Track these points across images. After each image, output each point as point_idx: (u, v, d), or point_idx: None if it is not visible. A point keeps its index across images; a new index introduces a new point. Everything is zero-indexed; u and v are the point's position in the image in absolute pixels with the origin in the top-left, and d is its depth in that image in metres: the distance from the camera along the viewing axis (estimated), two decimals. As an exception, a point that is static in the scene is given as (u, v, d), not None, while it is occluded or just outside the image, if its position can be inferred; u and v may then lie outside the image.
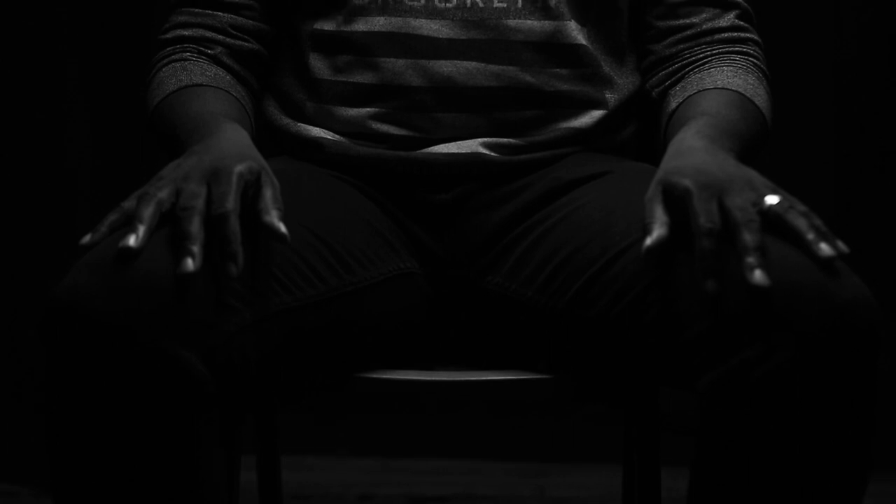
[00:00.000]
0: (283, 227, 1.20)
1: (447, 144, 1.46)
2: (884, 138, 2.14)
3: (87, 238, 1.20)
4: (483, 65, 1.46)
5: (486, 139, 1.47)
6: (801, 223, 1.19)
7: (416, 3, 1.46)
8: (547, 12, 1.47)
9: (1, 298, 2.21)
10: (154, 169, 1.25)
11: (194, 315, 1.18)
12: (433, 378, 1.42)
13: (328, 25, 1.49)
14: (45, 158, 2.17)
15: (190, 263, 1.15)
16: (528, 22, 1.47)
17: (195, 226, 1.17)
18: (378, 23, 1.46)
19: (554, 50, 1.48)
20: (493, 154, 1.47)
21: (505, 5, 1.46)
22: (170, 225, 1.19)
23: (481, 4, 1.46)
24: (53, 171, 2.17)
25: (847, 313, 1.16)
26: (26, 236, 2.18)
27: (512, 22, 1.46)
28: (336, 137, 1.49)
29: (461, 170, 1.46)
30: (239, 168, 1.22)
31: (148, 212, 1.18)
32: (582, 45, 1.49)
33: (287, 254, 1.29)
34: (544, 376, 1.41)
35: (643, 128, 1.57)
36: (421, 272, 1.47)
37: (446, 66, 1.45)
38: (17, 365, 2.20)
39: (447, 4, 1.46)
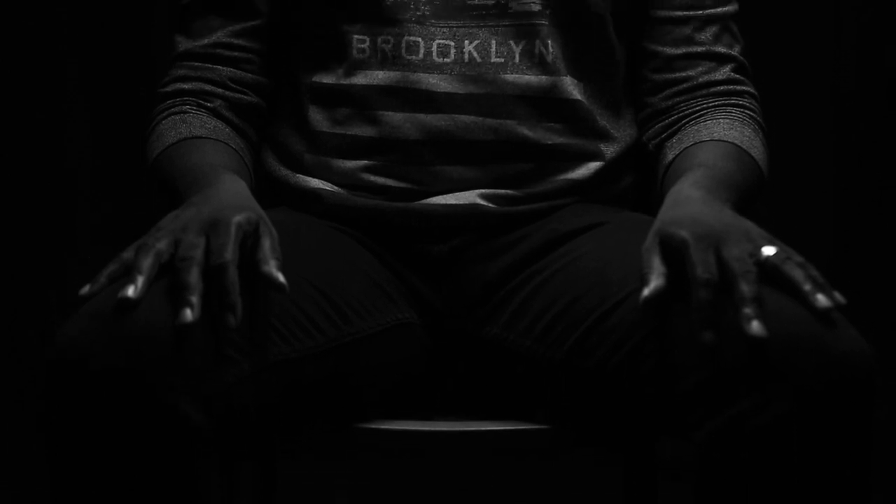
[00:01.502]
0: (281, 277, 1.21)
1: (445, 196, 1.47)
2: (882, 193, 2.15)
3: (85, 289, 1.21)
4: (481, 119, 1.47)
5: (483, 191, 1.48)
6: (797, 274, 1.20)
7: (415, 57, 1.47)
8: (544, 67, 1.48)
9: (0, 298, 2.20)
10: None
11: (193, 365, 1.18)
12: (432, 428, 1.42)
13: (328, 78, 1.50)
14: (45, 158, 2.16)
15: (188, 314, 1.15)
16: (526, 77, 1.48)
17: (194, 276, 1.17)
18: (377, 76, 1.47)
19: (550, 105, 1.49)
20: (490, 205, 1.48)
21: (502, 60, 1.47)
22: (168, 276, 1.19)
23: (479, 59, 1.47)
24: (53, 171, 2.16)
25: (844, 366, 1.17)
26: (26, 236, 2.17)
27: (509, 76, 1.47)
28: (334, 189, 1.49)
29: (459, 221, 1.47)
30: (237, 218, 1.22)
31: (147, 262, 1.19)
32: (577, 101, 1.50)
33: (285, 305, 1.30)
34: (543, 426, 1.41)
35: (640, 179, 1.58)
36: (419, 323, 1.47)
37: (444, 120, 1.46)
38: (16, 365, 2.19)
39: (445, 59, 1.47)
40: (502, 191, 1.48)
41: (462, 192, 1.47)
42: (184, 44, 1.54)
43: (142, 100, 2.05)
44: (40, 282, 2.19)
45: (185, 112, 1.51)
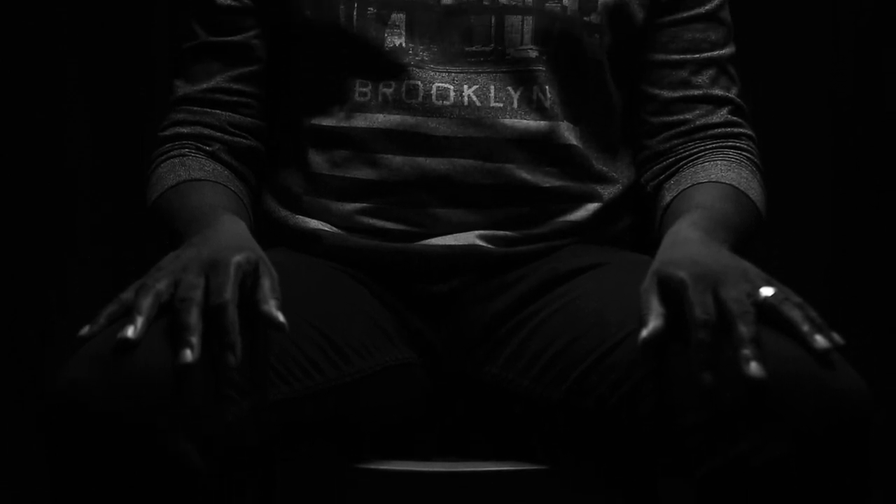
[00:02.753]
0: (281, 317, 1.21)
1: (444, 237, 1.48)
2: (877, 234, 2.15)
3: (85, 330, 1.21)
4: (479, 162, 1.47)
5: (482, 232, 1.48)
6: (796, 315, 1.20)
7: (414, 100, 1.47)
8: (542, 112, 1.49)
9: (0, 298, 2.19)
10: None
11: (192, 406, 1.18)
12: (431, 469, 1.41)
13: (327, 121, 1.50)
14: (45, 158, 2.15)
15: (188, 354, 1.15)
16: (524, 121, 1.48)
17: (193, 317, 1.17)
18: (377, 119, 1.48)
19: (548, 149, 1.49)
20: (489, 246, 1.48)
21: (501, 105, 1.48)
22: (168, 316, 1.20)
23: (478, 103, 1.48)
24: (53, 170, 2.15)
25: (842, 406, 1.17)
26: (25, 236, 2.16)
27: (508, 121, 1.48)
28: (333, 230, 1.50)
29: (458, 261, 1.47)
30: (237, 258, 1.22)
31: (146, 303, 1.19)
32: (574, 146, 1.51)
33: (285, 345, 1.30)
34: (542, 466, 1.41)
35: (639, 219, 1.59)
36: (418, 362, 1.47)
37: (443, 164, 1.47)
38: (16, 365, 2.18)
39: (444, 102, 1.47)
40: (501, 232, 1.49)
41: (461, 234, 1.48)
42: (182, 88, 1.55)
43: (141, 99, 2.06)
44: (40, 282, 2.17)
45: (184, 155, 1.51)
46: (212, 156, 1.53)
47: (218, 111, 1.54)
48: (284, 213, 1.53)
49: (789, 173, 2.06)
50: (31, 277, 2.18)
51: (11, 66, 2.13)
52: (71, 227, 2.17)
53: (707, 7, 1.55)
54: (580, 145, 1.51)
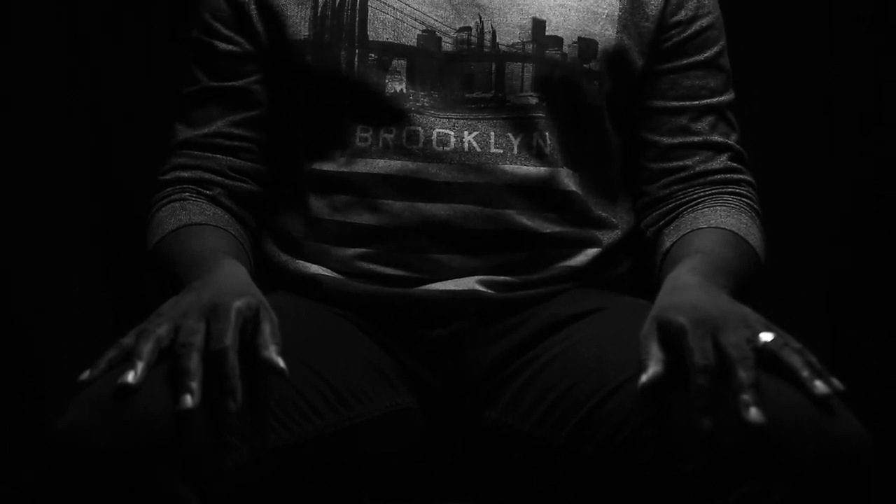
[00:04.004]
0: (281, 362, 1.21)
1: (444, 283, 1.48)
2: (877, 274, 2.15)
3: (85, 374, 1.22)
4: (479, 208, 1.48)
5: (482, 277, 1.48)
6: (795, 360, 1.20)
7: (415, 146, 1.48)
8: (542, 159, 1.50)
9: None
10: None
11: (192, 452, 1.18)
12: (431, 512, 1.42)
13: (328, 166, 1.51)
14: (46, 159, 2.15)
15: (189, 400, 1.16)
16: (524, 168, 1.49)
17: (194, 362, 1.18)
18: (378, 165, 1.48)
19: (547, 195, 1.50)
20: (489, 291, 1.48)
21: (501, 151, 1.49)
22: (169, 361, 1.20)
23: (479, 149, 1.48)
24: (54, 169, 2.15)
25: (842, 453, 1.17)
26: (25, 236, 2.15)
27: (508, 167, 1.48)
28: (333, 275, 1.50)
29: (458, 307, 1.47)
30: (237, 304, 1.23)
31: (147, 348, 1.20)
32: (573, 192, 1.51)
33: (285, 390, 1.30)
34: (542, 510, 1.41)
35: (638, 264, 1.59)
36: (418, 407, 1.47)
37: (443, 210, 1.47)
38: (16, 365, 2.18)
39: (445, 148, 1.48)
40: (501, 277, 1.49)
41: (461, 279, 1.48)
42: (183, 132, 1.56)
43: (141, 100, 2.05)
44: (40, 281, 2.17)
45: (184, 199, 1.52)
46: (212, 200, 1.53)
47: (218, 156, 1.55)
48: (285, 257, 1.54)
49: (789, 217, 2.06)
50: (30, 277, 2.17)
51: (12, 66, 2.12)
52: (71, 226, 2.16)
53: (706, 54, 1.56)
54: (580, 191, 1.52)
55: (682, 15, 1.55)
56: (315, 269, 1.51)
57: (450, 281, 1.48)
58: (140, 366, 1.18)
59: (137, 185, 1.68)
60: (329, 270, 1.50)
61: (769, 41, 2.12)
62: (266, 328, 1.23)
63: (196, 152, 1.55)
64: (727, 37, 1.59)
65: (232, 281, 1.30)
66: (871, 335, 2.14)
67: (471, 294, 1.48)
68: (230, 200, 1.54)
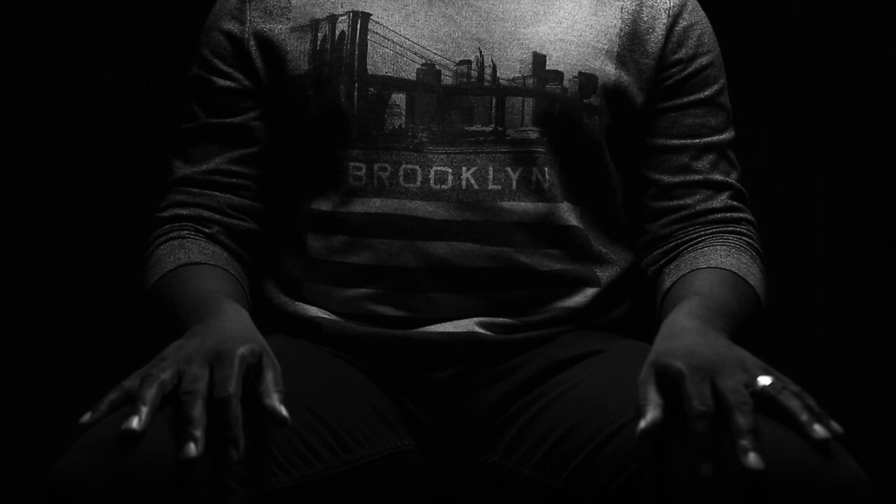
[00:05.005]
0: (284, 411, 1.21)
1: (443, 324, 1.48)
2: (878, 317, 2.15)
3: (86, 417, 1.21)
4: (478, 246, 1.48)
5: (481, 318, 1.49)
6: (794, 404, 1.21)
7: (411, 184, 1.48)
8: (541, 194, 1.50)
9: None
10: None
11: (193, 497, 1.18)
12: (430, 555, 1.42)
13: (325, 205, 1.51)
14: (46, 160, 2.14)
15: (192, 449, 1.16)
16: (522, 204, 1.49)
17: (198, 410, 1.18)
18: (374, 204, 1.48)
19: (547, 231, 1.50)
20: (488, 333, 1.48)
21: (500, 187, 1.49)
22: (171, 407, 1.20)
23: (476, 186, 1.48)
24: (55, 170, 2.14)
25: (842, 497, 1.18)
26: (24, 236, 2.15)
27: (506, 203, 1.49)
28: (333, 317, 1.50)
29: (457, 349, 1.47)
30: (241, 351, 1.23)
31: (151, 393, 1.20)
32: (574, 227, 1.51)
33: (285, 433, 1.30)
34: (541, 553, 1.41)
35: (637, 303, 1.59)
36: (418, 450, 1.47)
37: (441, 248, 1.47)
38: (7, 408, 2.17)
39: (442, 186, 1.48)
40: (500, 319, 1.49)
41: (460, 321, 1.48)
42: (182, 169, 1.56)
43: (141, 136, 2.04)
44: (38, 281, 2.16)
45: (183, 237, 1.52)
46: (211, 238, 1.53)
47: (217, 193, 1.55)
48: (284, 299, 1.54)
49: (790, 261, 2.06)
50: (29, 277, 2.16)
51: (12, 67, 2.11)
52: (69, 227, 2.15)
53: (706, 93, 1.56)
54: (580, 225, 1.52)
55: (682, 53, 1.55)
56: (314, 311, 1.51)
57: (449, 323, 1.48)
58: (144, 411, 1.18)
59: (134, 223, 1.68)
60: (328, 312, 1.50)
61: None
62: (269, 375, 1.23)
63: (194, 189, 1.55)
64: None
65: (235, 326, 1.30)
66: (871, 378, 2.13)
67: (470, 336, 1.48)
68: (228, 238, 1.54)
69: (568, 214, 1.51)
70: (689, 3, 1.57)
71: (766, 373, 1.23)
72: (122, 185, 2.13)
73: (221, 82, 1.54)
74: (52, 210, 2.12)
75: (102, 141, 2.12)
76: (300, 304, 1.52)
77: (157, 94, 2.11)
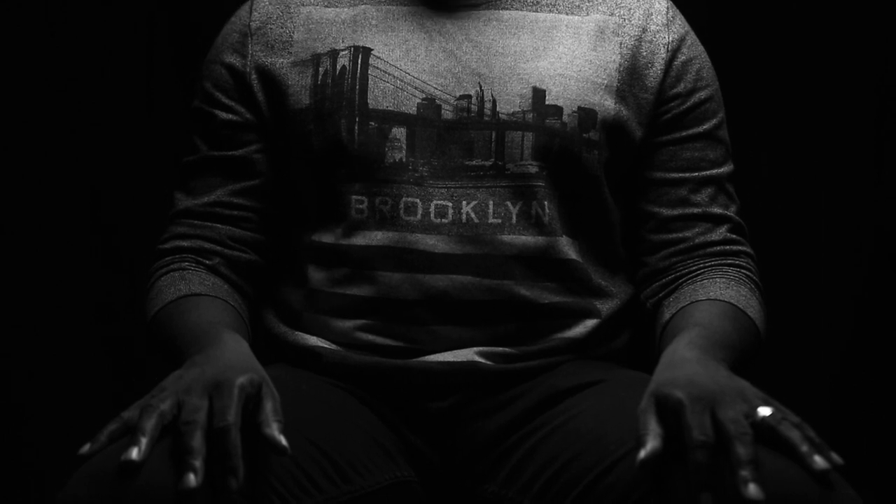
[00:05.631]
0: (283, 441, 1.21)
1: (443, 354, 1.48)
2: (880, 351, 2.14)
3: (85, 448, 1.21)
4: (478, 279, 1.48)
5: (481, 348, 1.49)
6: (794, 435, 1.21)
7: (412, 218, 1.49)
8: (540, 228, 1.50)
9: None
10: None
11: None
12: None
13: (327, 238, 1.51)
14: (47, 162, 2.14)
15: (192, 479, 1.16)
16: (522, 237, 1.50)
17: (197, 441, 1.18)
18: (376, 237, 1.49)
19: (546, 264, 1.50)
20: (488, 363, 1.49)
21: (500, 221, 1.49)
22: (171, 437, 1.20)
23: (476, 220, 1.49)
24: (55, 172, 2.13)
25: None
26: (24, 236, 2.14)
27: (506, 237, 1.49)
28: (333, 347, 1.50)
29: (457, 378, 1.48)
30: (241, 381, 1.23)
31: (150, 424, 1.20)
32: (573, 260, 1.52)
33: (285, 463, 1.30)
34: (541, 584, 1.40)
35: (637, 335, 1.60)
36: (418, 480, 1.47)
37: (442, 281, 1.48)
38: (10, 438, 2.16)
39: (443, 220, 1.48)
40: (500, 349, 1.49)
41: (460, 350, 1.48)
42: (183, 201, 1.57)
43: (140, 102, 2.04)
44: (37, 282, 2.15)
45: (184, 269, 1.52)
46: (212, 270, 1.54)
47: (218, 225, 1.55)
48: (284, 329, 1.54)
49: (788, 291, 2.06)
50: (28, 277, 2.15)
51: (13, 69, 2.11)
52: (68, 228, 2.14)
53: (705, 126, 1.57)
54: (579, 259, 1.53)
55: (680, 87, 1.56)
56: (314, 340, 1.51)
57: (448, 352, 1.48)
58: (144, 442, 1.18)
59: (138, 255, 1.68)
60: (328, 342, 1.51)
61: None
62: (268, 405, 1.23)
63: (196, 221, 1.56)
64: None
65: (234, 356, 1.30)
66: (872, 409, 2.13)
67: (469, 365, 1.48)
68: (229, 270, 1.55)
69: (567, 248, 1.52)
70: (687, 37, 1.58)
71: (766, 403, 1.23)
72: (122, 185, 2.12)
73: (223, 115, 1.55)
74: (52, 210, 2.12)
75: (102, 141, 2.11)
76: (300, 333, 1.52)
77: (157, 95, 2.10)
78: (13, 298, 2.12)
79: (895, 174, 2.10)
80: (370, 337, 1.49)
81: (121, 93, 2.11)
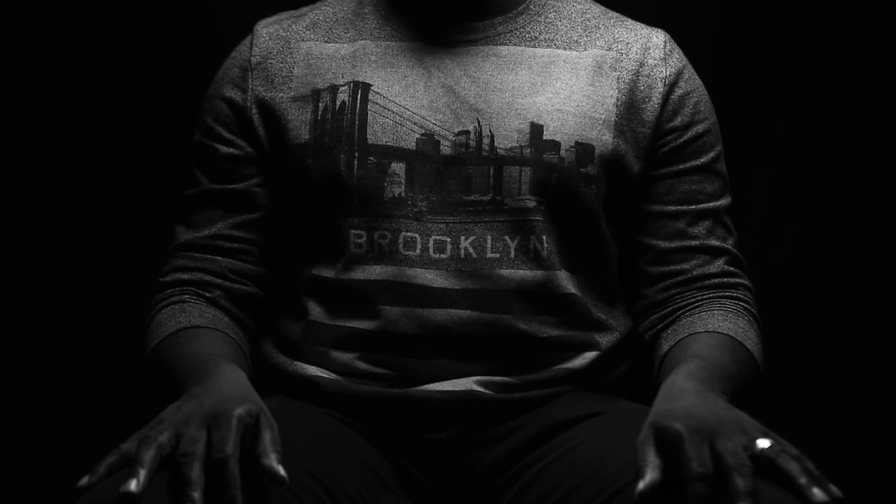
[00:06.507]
0: (282, 471, 1.21)
1: (442, 383, 1.48)
2: (878, 385, 2.14)
3: (84, 480, 1.21)
4: (476, 314, 1.48)
5: (480, 378, 1.49)
6: (793, 467, 1.21)
7: (411, 252, 1.49)
8: (539, 262, 1.51)
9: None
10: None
11: None
12: None
13: (326, 272, 1.52)
14: (48, 164, 2.13)
15: None
16: (521, 272, 1.50)
17: (196, 472, 1.18)
18: (375, 271, 1.49)
19: (545, 299, 1.51)
20: (487, 392, 1.49)
21: (498, 255, 1.50)
22: (169, 469, 1.20)
23: (475, 255, 1.49)
24: (58, 173, 2.13)
25: None
26: (23, 237, 2.13)
27: (505, 271, 1.49)
28: (331, 376, 1.50)
29: (456, 407, 1.48)
30: (239, 411, 1.23)
31: (149, 456, 1.20)
32: (572, 294, 1.52)
33: (283, 494, 1.30)
34: None
35: (636, 366, 1.60)
36: (416, 511, 1.47)
37: (440, 315, 1.48)
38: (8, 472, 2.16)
39: (441, 255, 1.49)
40: (499, 378, 1.49)
41: (459, 380, 1.48)
42: (184, 234, 1.57)
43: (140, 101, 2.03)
44: (37, 281, 2.15)
45: (184, 301, 1.53)
46: (212, 302, 1.54)
47: (219, 258, 1.56)
48: (283, 359, 1.54)
49: (789, 323, 2.06)
50: (28, 278, 2.15)
51: (13, 70, 2.12)
52: (68, 228, 2.14)
53: (702, 160, 1.57)
54: (578, 293, 1.53)
55: (678, 121, 1.56)
56: (313, 370, 1.51)
57: (447, 381, 1.48)
58: (142, 474, 1.18)
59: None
60: (327, 371, 1.51)
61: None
62: (266, 436, 1.23)
63: (196, 254, 1.56)
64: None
65: (232, 387, 1.31)
66: (872, 440, 2.12)
67: (469, 395, 1.48)
68: (230, 302, 1.55)
69: (566, 282, 1.52)
70: (685, 71, 1.59)
71: (765, 436, 1.23)
72: (123, 184, 2.12)
73: (224, 149, 1.56)
74: (53, 210, 2.12)
75: (102, 141, 2.11)
76: (299, 363, 1.52)
77: (157, 94, 2.11)
78: (12, 297, 2.12)
79: (892, 205, 2.11)
80: (369, 367, 1.49)
81: (121, 92, 2.11)
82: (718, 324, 1.49)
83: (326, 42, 1.58)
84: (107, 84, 2.09)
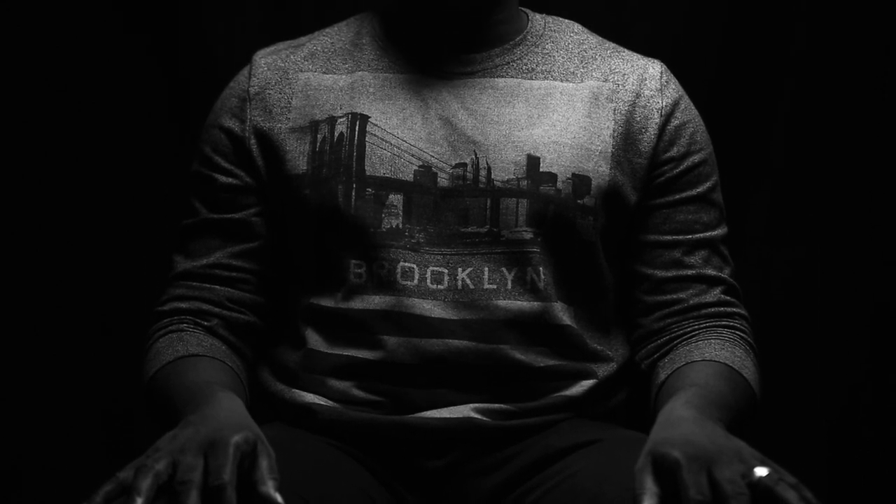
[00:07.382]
0: (279, 498, 1.21)
1: (439, 410, 1.48)
2: (877, 411, 2.14)
3: None
4: (474, 344, 1.48)
5: (477, 405, 1.49)
6: (790, 496, 1.20)
7: (409, 282, 1.49)
8: (536, 294, 1.51)
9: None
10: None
11: None
12: None
13: (325, 301, 1.52)
14: (49, 166, 2.12)
15: None
16: (518, 303, 1.50)
17: (193, 500, 1.18)
18: (373, 301, 1.50)
19: (541, 330, 1.51)
20: (485, 419, 1.49)
21: (495, 286, 1.50)
22: (166, 497, 1.20)
23: (472, 286, 1.50)
24: (57, 175, 2.12)
25: None
26: (23, 237, 2.12)
27: (502, 302, 1.50)
28: (329, 403, 1.50)
29: (454, 435, 1.48)
30: (235, 439, 1.23)
31: (146, 484, 1.20)
32: (567, 326, 1.52)
33: None
34: None
35: (633, 394, 1.60)
36: (413, 539, 1.47)
37: (438, 345, 1.48)
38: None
39: (439, 286, 1.49)
40: (496, 405, 1.50)
41: (456, 406, 1.48)
42: (182, 264, 1.58)
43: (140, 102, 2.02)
44: (36, 281, 2.14)
45: (182, 330, 1.53)
46: (210, 331, 1.54)
47: (217, 286, 1.56)
48: (280, 387, 1.54)
49: (787, 351, 2.06)
50: (27, 277, 2.14)
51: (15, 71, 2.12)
52: (67, 229, 2.14)
53: (698, 189, 1.58)
54: (574, 325, 1.53)
55: (674, 151, 1.57)
56: (310, 398, 1.51)
57: (445, 409, 1.48)
58: (139, 502, 1.18)
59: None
60: (324, 399, 1.51)
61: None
62: (263, 463, 1.23)
63: (194, 283, 1.56)
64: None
65: (229, 415, 1.31)
66: (870, 469, 2.12)
67: (466, 422, 1.48)
68: (227, 331, 1.55)
69: (562, 314, 1.52)
70: (681, 102, 1.60)
71: (763, 464, 1.23)
72: (122, 185, 2.12)
73: (223, 179, 1.56)
74: (52, 210, 2.12)
75: (102, 141, 2.11)
76: (296, 391, 1.52)
77: (157, 94, 2.11)
78: (11, 295, 2.11)
79: (889, 231, 2.12)
80: (366, 395, 1.49)
81: (121, 93, 2.11)
82: (715, 353, 1.50)
83: (324, 73, 1.58)
84: (107, 84, 2.10)
